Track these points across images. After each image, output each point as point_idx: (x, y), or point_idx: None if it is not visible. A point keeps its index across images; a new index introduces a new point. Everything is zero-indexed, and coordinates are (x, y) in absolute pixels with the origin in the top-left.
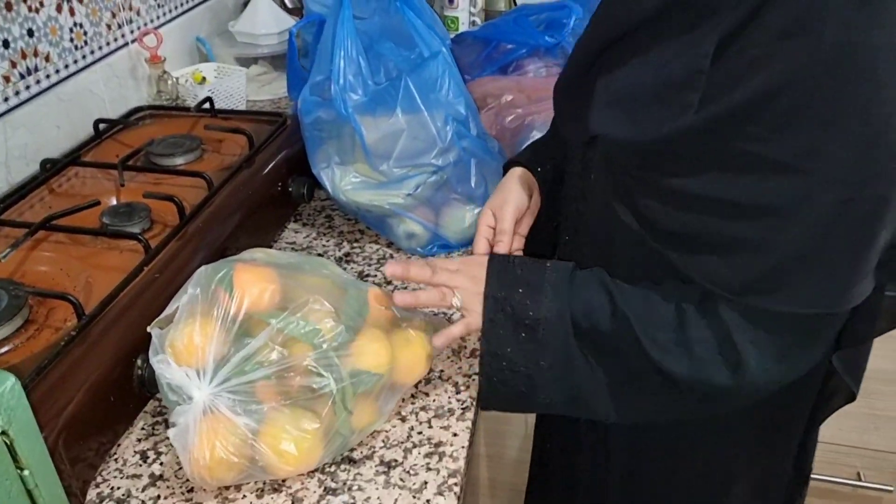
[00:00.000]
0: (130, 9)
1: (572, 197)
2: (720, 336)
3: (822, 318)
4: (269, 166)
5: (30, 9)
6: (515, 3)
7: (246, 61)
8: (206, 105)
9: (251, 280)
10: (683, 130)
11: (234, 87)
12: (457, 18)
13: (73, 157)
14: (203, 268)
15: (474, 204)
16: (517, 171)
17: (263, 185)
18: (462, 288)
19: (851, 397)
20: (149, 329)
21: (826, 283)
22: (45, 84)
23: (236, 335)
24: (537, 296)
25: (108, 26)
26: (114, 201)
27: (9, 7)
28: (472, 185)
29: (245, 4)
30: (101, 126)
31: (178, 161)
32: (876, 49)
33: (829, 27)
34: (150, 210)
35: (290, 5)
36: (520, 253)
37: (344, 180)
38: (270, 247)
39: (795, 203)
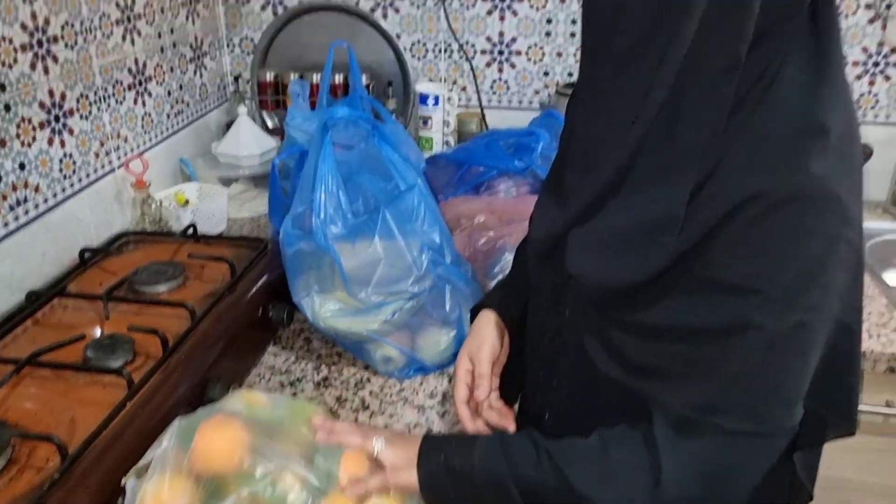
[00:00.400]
0: (118, 136)
1: (542, 330)
2: (644, 455)
3: (756, 442)
4: (251, 293)
5: (22, 143)
6: (486, 126)
7: (228, 181)
8: (190, 230)
9: (219, 447)
10: (658, 271)
11: (216, 208)
12: (431, 139)
13: (59, 289)
14: (178, 420)
15: (449, 327)
16: (488, 315)
17: (245, 313)
18: (389, 441)
19: (810, 497)
20: (124, 482)
21: (770, 402)
22: (33, 214)
23: (207, 494)
24: (468, 447)
25: (97, 154)
26: (98, 332)
27: (2, 143)
28: (447, 309)
29: (228, 126)
30: (87, 254)
31: (162, 289)
32: (828, 190)
33: (790, 165)
34: (133, 342)
35: (270, 126)
36: (496, 393)
37: (323, 308)
38: (250, 371)
39: (741, 323)
